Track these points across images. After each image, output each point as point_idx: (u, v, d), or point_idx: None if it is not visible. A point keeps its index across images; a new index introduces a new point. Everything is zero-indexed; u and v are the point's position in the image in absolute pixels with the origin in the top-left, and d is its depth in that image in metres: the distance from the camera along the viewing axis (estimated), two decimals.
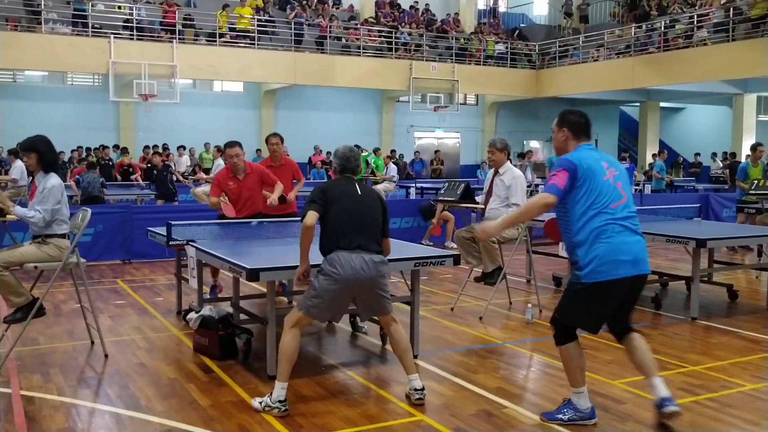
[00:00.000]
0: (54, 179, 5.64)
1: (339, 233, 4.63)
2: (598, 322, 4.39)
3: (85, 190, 12.92)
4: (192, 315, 6.03)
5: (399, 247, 5.76)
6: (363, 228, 4.68)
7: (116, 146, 20.37)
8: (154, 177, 15.16)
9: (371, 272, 4.63)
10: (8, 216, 5.67)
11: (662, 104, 27.61)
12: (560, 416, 4.49)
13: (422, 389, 4.80)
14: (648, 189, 17.87)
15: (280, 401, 4.61)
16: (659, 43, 21.29)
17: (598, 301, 4.29)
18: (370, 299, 4.79)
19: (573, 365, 4.41)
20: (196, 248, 6.02)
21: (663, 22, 21.80)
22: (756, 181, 10.87)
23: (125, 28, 19.45)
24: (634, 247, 4.26)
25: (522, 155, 21.81)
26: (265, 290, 6.21)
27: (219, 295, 7.66)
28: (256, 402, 4.69)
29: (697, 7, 22.28)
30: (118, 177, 16.91)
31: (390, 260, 5.41)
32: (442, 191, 8.01)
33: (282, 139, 8.13)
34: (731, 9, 19.41)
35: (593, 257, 4.19)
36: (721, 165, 22.81)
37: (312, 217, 4.60)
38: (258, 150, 22.65)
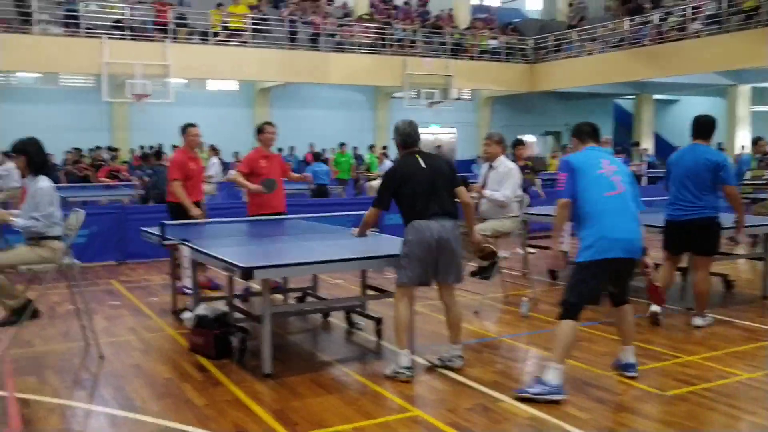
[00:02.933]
0: (43, 182, 5.62)
1: (414, 207, 5.13)
2: (594, 294, 4.93)
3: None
4: (187, 314, 6.02)
5: (392, 243, 5.75)
6: (434, 199, 5.11)
7: (109, 147, 20.33)
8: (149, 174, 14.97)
9: (447, 234, 5.08)
10: (1, 220, 5.64)
11: (656, 96, 27.63)
12: (530, 389, 4.73)
13: (461, 356, 5.38)
14: (644, 181, 17.88)
15: (406, 367, 5.12)
16: (653, 36, 21.29)
17: (593, 278, 4.84)
18: (449, 259, 5.16)
19: (567, 341, 4.77)
20: (190, 247, 6.00)
21: (657, 15, 21.79)
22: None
23: (118, 28, 19.39)
24: (623, 232, 4.80)
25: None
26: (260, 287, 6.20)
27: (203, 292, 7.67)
28: (387, 371, 5.21)
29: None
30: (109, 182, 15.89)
31: (383, 256, 5.45)
32: None
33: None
34: (724, 1, 19.41)
35: (587, 239, 4.81)
36: None
37: (373, 213, 5.43)
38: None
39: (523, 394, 4.72)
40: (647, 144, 25.92)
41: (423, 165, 5.20)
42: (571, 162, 4.98)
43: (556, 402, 4.63)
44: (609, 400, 4.76)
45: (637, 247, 4.91)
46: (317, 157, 17.42)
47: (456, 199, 5.33)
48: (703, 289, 6.57)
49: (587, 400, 4.76)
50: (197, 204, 7.99)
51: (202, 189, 8.33)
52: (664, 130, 29.63)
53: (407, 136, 5.31)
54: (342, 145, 20.03)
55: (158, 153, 15.45)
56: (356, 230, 5.91)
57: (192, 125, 8.13)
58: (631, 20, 22.48)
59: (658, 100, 28.30)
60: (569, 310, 4.83)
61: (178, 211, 7.83)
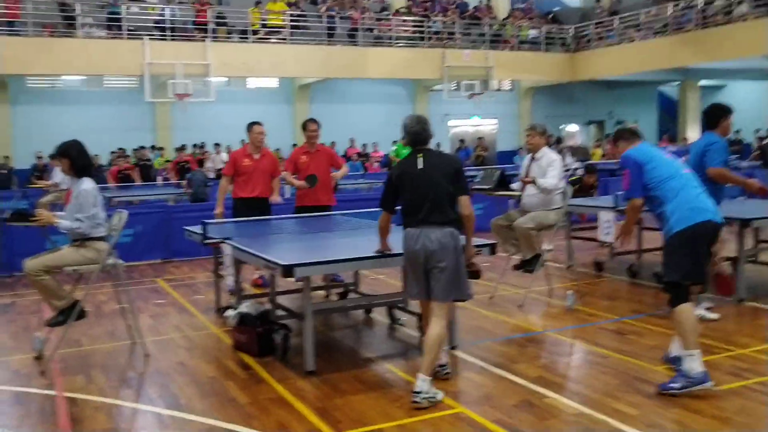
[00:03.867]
0: (87, 183, 5.68)
1: (406, 211, 4.78)
2: (699, 268, 4.71)
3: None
4: (230, 312, 6.05)
5: None
6: (425, 203, 4.65)
7: (153, 147, 20.57)
8: (188, 178, 15.17)
9: (433, 246, 4.61)
10: (47, 222, 5.72)
11: (702, 83, 26.97)
12: (673, 385, 4.58)
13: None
14: None
15: (415, 392, 4.62)
16: (697, 21, 20.77)
17: (693, 246, 4.65)
18: (439, 274, 4.63)
19: (690, 325, 4.60)
20: (232, 246, 6.03)
21: None
22: None
23: (159, 29, 19.65)
24: (709, 202, 4.80)
25: (560, 140, 21.52)
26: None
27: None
28: (418, 398, 4.58)
29: None
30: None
31: None
32: (477, 179, 7.90)
33: (319, 125, 8.26)
34: None
35: (679, 210, 4.67)
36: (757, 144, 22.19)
37: (384, 218, 4.93)
38: (294, 145, 22.69)
39: (669, 391, 4.56)
40: (693, 132, 25.33)
41: (420, 166, 4.71)
42: (634, 156, 4.89)
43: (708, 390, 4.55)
44: (658, 396, 4.64)
45: (720, 216, 4.86)
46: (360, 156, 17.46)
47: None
48: None
49: (636, 395, 4.64)
50: (263, 200, 7.97)
51: (267, 186, 8.05)
52: None
53: (416, 135, 4.83)
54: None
55: (201, 162, 15.80)
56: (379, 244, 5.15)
57: (256, 123, 8.16)
58: (675, 5, 21.97)
59: (703, 87, 27.62)
60: (678, 293, 4.64)
61: (242, 206, 7.92)
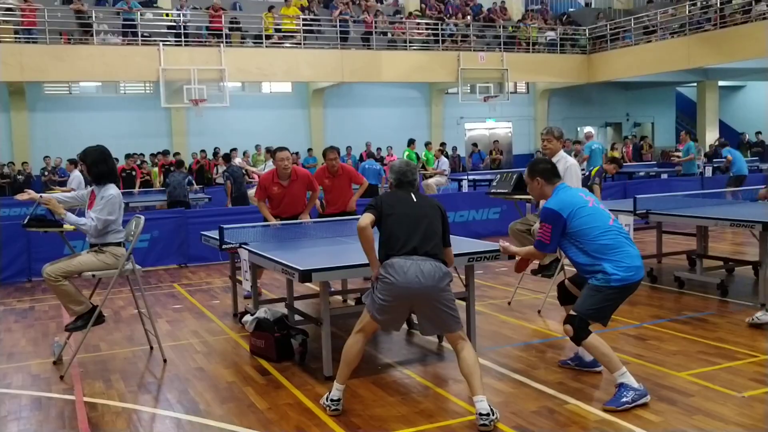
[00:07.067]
0: (112, 190, 5.69)
1: (394, 238, 4.47)
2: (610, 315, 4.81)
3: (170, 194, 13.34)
4: (247, 317, 6.04)
5: (452, 242, 5.64)
6: (418, 232, 4.47)
7: (166, 151, 20.53)
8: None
9: (426, 281, 4.36)
10: (64, 226, 5.74)
11: (721, 83, 26.75)
12: (625, 400, 4.49)
13: (488, 414, 4.25)
14: (709, 171, 17.29)
15: (332, 400, 4.60)
16: (715, 20, 20.61)
17: (619, 299, 4.75)
18: (430, 313, 4.49)
19: (606, 350, 4.62)
20: (249, 251, 6.02)
21: None
22: None
23: (173, 34, 19.75)
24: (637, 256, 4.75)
25: (578, 143, 21.37)
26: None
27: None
28: (321, 400, 4.73)
29: None
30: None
31: None
32: (494, 183, 7.86)
33: (339, 152, 8.55)
34: None
35: (618, 266, 4.59)
36: None
37: (366, 218, 4.47)
38: (310, 149, 22.74)
39: (621, 408, 4.46)
40: (712, 132, 25.13)
41: (414, 199, 4.64)
42: (556, 210, 4.67)
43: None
44: (681, 402, 4.57)
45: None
46: (370, 155, 17.37)
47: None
48: None
49: (658, 401, 4.58)
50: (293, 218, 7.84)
51: (298, 206, 7.90)
52: (729, 117, 28.68)
53: (402, 175, 4.74)
54: (411, 142, 19.42)
55: (227, 155, 15.82)
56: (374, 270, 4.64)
57: (279, 149, 7.86)
58: (693, 4, 21.81)
59: (722, 87, 27.39)
60: (584, 330, 4.64)
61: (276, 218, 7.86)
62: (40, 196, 5.83)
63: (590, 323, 4.66)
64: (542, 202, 6.69)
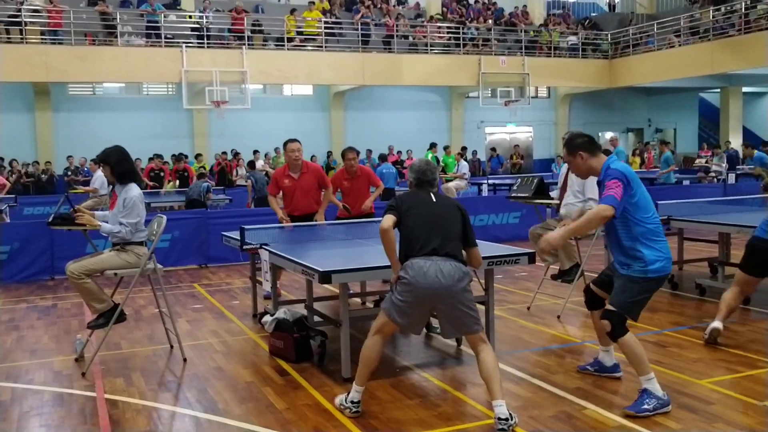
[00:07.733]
0: (134, 190, 5.76)
1: (413, 239, 4.44)
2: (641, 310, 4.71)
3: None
4: (267, 318, 6.08)
5: None
6: (438, 232, 4.44)
7: (180, 155, 20.61)
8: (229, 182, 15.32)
9: (447, 282, 4.33)
10: (88, 226, 5.81)
11: (744, 89, 26.50)
12: (645, 407, 4.44)
13: (507, 419, 4.21)
14: (732, 178, 17.13)
15: (353, 402, 4.60)
16: (740, 26, 20.42)
17: (653, 291, 4.64)
18: (450, 313, 4.45)
19: (640, 351, 4.54)
20: (269, 251, 6.06)
21: (743, 3, 20.88)
22: None
23: (196, 36, 19.90)
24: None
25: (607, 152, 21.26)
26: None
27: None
28: (336, 400, 4.74)
29: None
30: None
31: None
32: (515, 187, 7.84)
33: (358, 153, 8.58)
34: None
35: (658, 254, 4.52)
36: None
37: (388, 220, 4.45)
38: (329, 152, 22.81)
39: (642, 414, 4.41)
40: (736, 139, 24.89)
41: (433, 199, 4.62)
42: (625, 175, 4.49)
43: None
44: (701, 410, 4.54)
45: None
46: (383, 158, 17.39)
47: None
48: None
49: (678, 409, 4.54)
50: (308, 218, 7.82)
51: (310, 202, 7.93)
52: (752, 123, 28.40)
53: (422, 174, 4.72)
54: (433, 145, 19.52)
55: (252, 162, 15.97)
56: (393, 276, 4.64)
57: (290, 141, 7.98)
58: (716, 9, 21.63)
59: (746, 93, 27.12)
60: (622, 326, 4.56)
61: (291, 217, 7.89)
62: (83, 215, 5.82)
63: (627, 319, 4.57)
64: (587, 183, 6.72)
